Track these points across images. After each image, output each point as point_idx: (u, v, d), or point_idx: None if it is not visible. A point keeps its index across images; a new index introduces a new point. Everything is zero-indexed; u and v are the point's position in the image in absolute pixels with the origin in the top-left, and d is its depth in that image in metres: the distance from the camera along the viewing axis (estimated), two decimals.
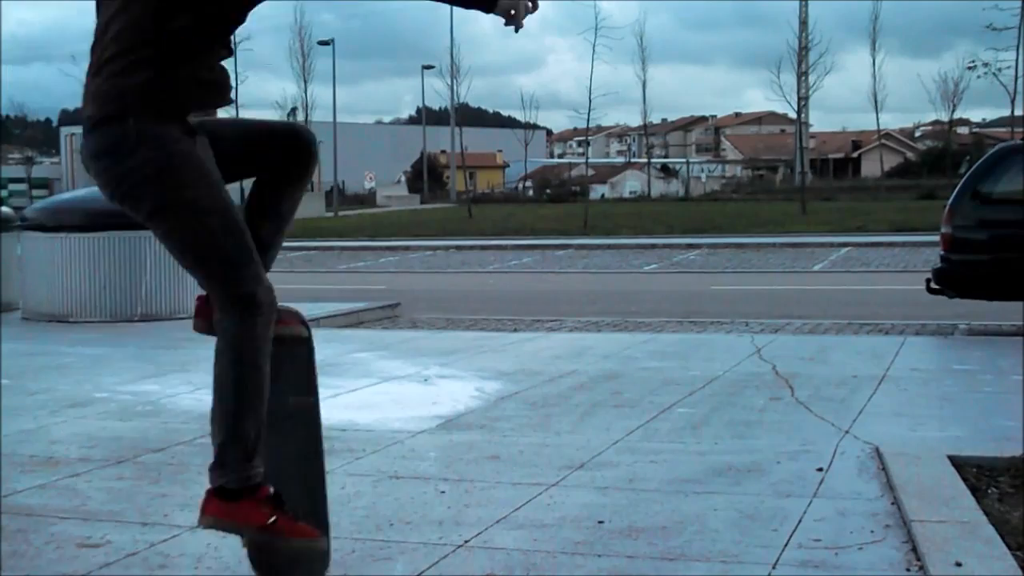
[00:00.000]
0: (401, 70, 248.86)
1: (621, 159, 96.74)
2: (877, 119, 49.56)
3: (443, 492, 4.32)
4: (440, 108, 77.66)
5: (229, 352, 2.98)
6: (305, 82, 52.94)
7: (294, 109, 55.25)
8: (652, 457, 4.84)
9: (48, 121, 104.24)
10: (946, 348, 8.71)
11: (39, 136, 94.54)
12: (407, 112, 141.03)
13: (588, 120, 37.02)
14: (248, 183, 3.25)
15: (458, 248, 26.51)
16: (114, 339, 9.32)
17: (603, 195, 61.98)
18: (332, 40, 54.53)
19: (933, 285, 9.67)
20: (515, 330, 10.32)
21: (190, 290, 10.85)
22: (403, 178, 74.74)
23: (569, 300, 14.46)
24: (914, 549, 3.49)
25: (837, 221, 29.92)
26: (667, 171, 76.80)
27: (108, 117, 2.87)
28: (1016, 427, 5.21)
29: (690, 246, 24.96)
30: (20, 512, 4.11)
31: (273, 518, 2.99)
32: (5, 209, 12.25)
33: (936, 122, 63.99)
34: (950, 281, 9.51)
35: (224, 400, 2.98)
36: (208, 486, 3.00)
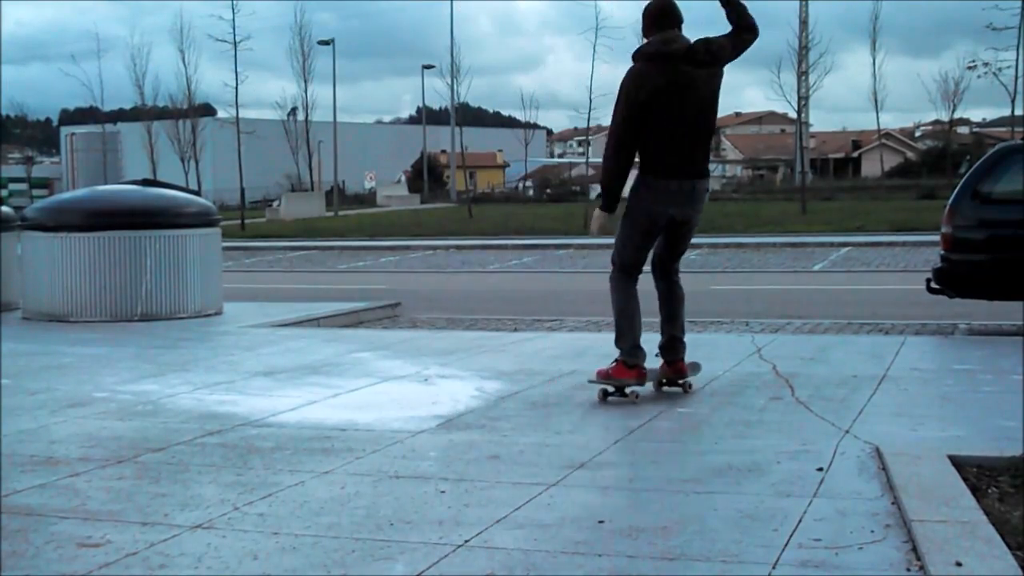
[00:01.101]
0: (401, 70, 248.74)
1: None
2: (877, 119, 49.48)
3: (443, 492, 4.33)
4: (440, 108, 77.69)
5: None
6: (305, 82, 52.89)
7: (294, 109, 55.26)
8: (652, 457, 4.84)
9: (48, 121, 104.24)
10: (946, 348, 8.71)
11: (39, 136, 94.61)
12: (407, 112, 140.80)
13: (588, 120, 36.92)
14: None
15: (458, 248, 26.51)
16: (114, 339, 9.32)
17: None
18: (332, 40, 54.52)
19: (933, 285, 9.65)
20: (515, 330, 10.32)
21: (190, 290, 10.87)
22: (403, 178, 74.67)
23: (569, 300, 14.47)
24: (914, 549, 3.49)
25: (837, 221, 29.91)
26: None
27: None
28: (1016, 427, 5.21)
29: (690, 246, 24.92)
30: (20, 512, 4.12)
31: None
32: (5, 209, 12.25)
33: (936, 122, 63.83)
34: (950, 281, 9.50)
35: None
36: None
